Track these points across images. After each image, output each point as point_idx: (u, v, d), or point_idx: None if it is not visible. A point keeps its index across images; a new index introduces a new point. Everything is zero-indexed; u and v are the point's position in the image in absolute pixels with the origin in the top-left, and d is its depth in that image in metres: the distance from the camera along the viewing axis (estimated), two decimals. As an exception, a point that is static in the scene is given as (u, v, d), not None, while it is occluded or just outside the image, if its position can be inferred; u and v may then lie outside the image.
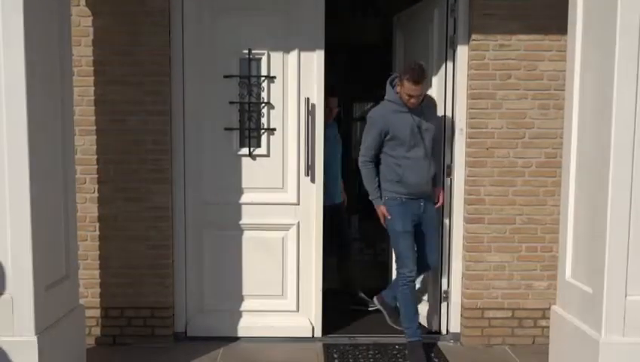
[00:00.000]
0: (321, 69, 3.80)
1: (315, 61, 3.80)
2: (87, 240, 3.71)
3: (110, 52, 3.64)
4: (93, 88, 3.66)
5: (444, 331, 3.96)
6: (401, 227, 3.58)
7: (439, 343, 3.87)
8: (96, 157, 3.69)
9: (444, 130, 3.84)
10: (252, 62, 3.82)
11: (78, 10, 3.60)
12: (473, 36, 3.67)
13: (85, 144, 3.68)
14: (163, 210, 3.75)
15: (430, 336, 3.90)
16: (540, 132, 3.71)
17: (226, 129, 3.83)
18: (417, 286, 3.96)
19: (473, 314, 3.81)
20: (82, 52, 3.61)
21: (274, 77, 3.83)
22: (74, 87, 3.37)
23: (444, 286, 3.93)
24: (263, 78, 3.83)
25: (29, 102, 2.75)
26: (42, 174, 2.89)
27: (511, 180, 3.74)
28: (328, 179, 4.28)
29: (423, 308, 4.04)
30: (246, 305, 3.93)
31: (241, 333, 3.91)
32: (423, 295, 4.09)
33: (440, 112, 3.84)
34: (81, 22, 3.61)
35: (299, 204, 3.89)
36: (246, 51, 3.79)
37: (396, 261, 3.68)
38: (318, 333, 3.94)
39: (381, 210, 3.63)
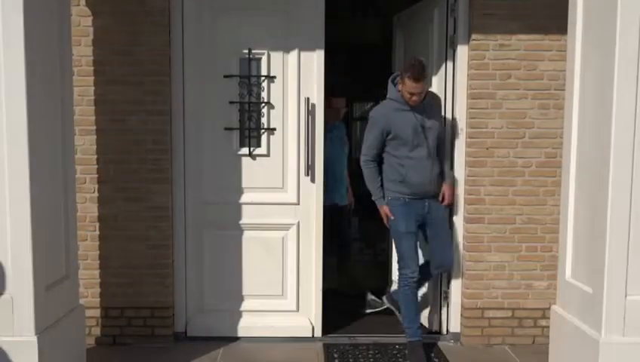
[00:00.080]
0: (321, 68, 3.80)
1: (315, 61, 3.80)
2: (87, 240, 3.71)
3: (110, 52, 3.64)
4: (93, 88, 3.66)
5: (444, 331, 3.96)
6: (404, 228, 3.55)
7: (439, 343, 3.87)
8: (96, 157, 3.69)
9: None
10: (252, 62, 3.82)
11: (78, 10, 3.60)
12: (473, 36, 3.67)
13: (85, 144, 3.68)
14: (163, 209, 3.75)
15: (430, 336, 3.90)
16: (540, 132, 3.71)
17: (226, 129, 3.83)
18: (424, 290, 3.94)
19: (473, 314, 3.81)
20: (82, 52, 3.61)
21: (274, 77, 3.83)
22: (74, 87, 3.37)
23: (444, 286, 3.93)
24: (263, 78, 3.83)
25: (29, 102, 2.75)
26: (42, 174, 2.89)
27: (511, 180, 3.74)
28: (332, 180, 4.27)
29: (424, 308, 4.03)
30: (246, 304, 3.93)
31: (241, 333, 3.91)
32: (424, 295, 4.09)
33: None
34: (81, 21, 3.61)
35: (299, 204, 3.89)
36: (246, 51, 3.79)
37: (398, 261, 3.65)
38: (318, 333, 3.94)
39: (384, 210, 3.61)
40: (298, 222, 3.89)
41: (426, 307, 4.05)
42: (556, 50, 3.64)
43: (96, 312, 3.76)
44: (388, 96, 3.58)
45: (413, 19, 4.28)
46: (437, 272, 3.78)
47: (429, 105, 3.59)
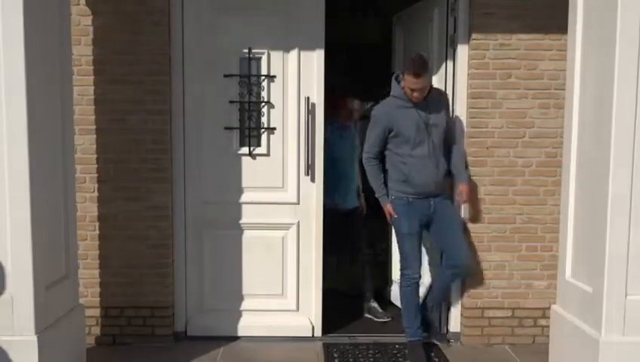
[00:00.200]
0: (321, 68, 3.80)
1: (315, 60, 3.79)
2: (87, 239, 3.71)
3: (110, 51, 3.64)
4: (93, 87, 3.65)
5: (444, 330, 3.95)
6: (406, 228, 3.52)
7: (439, 342, 3.87)
8: (96, 156, 3.69)
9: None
10: (252, 61, 3.82)
11: (78, 10, 3.59)
12: (473, 35, 3.67)
13: (85, 143, 3.68)
14: (163, 209, 3.75)
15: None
16: (540, 131, 3.71)
17: (226, 128, 3.83)
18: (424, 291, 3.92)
19: (473, 314, 3.81)
20: (82, 51, 3.61)
21: (274, 76, 3.83)
22: (74, 87, 3.37)
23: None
24: (263, 78, 3.83)
25: (29, 102, 2.75)
26: (42, 173, 2.89)
27: (511, 180, 3.73)
28: (344, 182, 4.22)
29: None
30: (246, 304, 3.93)
31: (241, 333, 3.91)
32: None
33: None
34: (81, 21, 3.61)
35: (299, 204, 3.88)
36: (246, 50, 3.79)
37: (400, 261, 3.63)
38: (318, 333, 3.94)
39: (387, 208, 3.58)
40: (298, 222, 3.89)
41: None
42: (556, 50, 3.64)
43: (96, 312, 3.76)
44: (391, 93, 3.55)
45: (413, 19, 4.28)
46: (453, 276, 3.64)
47: (434, 101, 3.51)
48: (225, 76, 3.80)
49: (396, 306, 4.27)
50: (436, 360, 3.63)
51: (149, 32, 3.64)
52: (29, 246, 2.78)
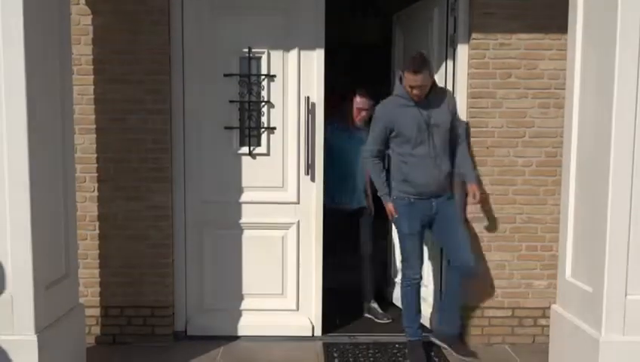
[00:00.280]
0: (321, 67, 3.80)
1: (315, 60, 3.79)
2: (87, 239, 3.71)
3: (110, 51, 3.63)
4: (93, 87, 3.65)
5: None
6: (407, 228, 3.51)
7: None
8: (96, 156, 3.69)
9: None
10: (252, 60, 3.81)
11: (78, 9, 3.59)
12: (473, 35, 3.67)
13: (85, 143, 3.67)
14: (163, 209, 3.75)
15: (430, 335, 3.89)
16: (541, 131, 3.71)
17: (226, 128, 3.83)
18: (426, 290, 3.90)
19: (473, 313, 3.80)
20: (82, 51, 3.61)
21: (274, 76, 3.83)
22: (74, 86, 3.37)
23: (444, 286, 3.92)
24: (263, 77, 3.83)
25: (29, 102, 2.75)
26: (42, 173, 2.89)
27: (511, 179, 3.73)
28: (351, 182, 4.20)
29: (426, 309, 4.01)
30: (246, 304, 3.93)
31: (241, 332, 3.91)
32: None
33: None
34: (81, 20, 3.61)
35: (299, 203, 3.88)
36: (246, 50, 3.79)
37: (402, 261, 3.62)
38: (318, 332, 3.94)
39: (389, 207, 3.57)
40: (298, 221, 3.89)
41: (427, 307, 4.05)
42: (556, 50, 3.64)
43: (96, 311, 3.76)
44: (394, 92, 3.55)
45: (413, 19, 4.28)
46: (461, 278, 3.53)
47: (438, 101, 3.46)
48: (225, 76, 3.80)
49: (396, 307, 4.27)
50: (436, 359, 3.63)
51: (148, 31, 3.64)
52: (29, 246, 2.78)
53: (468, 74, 3.72)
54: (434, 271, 3.97)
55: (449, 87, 3.80)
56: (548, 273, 3.75)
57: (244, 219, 3.88)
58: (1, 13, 2.70)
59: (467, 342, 3.80)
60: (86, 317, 3.55)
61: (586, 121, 3.06)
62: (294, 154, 3.86)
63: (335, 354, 3.68)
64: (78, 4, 3.59)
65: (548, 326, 3.54)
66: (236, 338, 3.89)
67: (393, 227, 4.04)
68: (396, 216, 3.54)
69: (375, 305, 4.34)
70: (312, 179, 3.86)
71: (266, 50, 3.80)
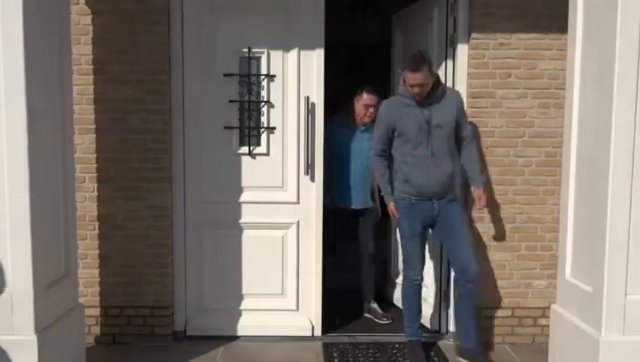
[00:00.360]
0: (321, 67, 3.80)
1: (315, 60, 3.79)
2: (86, 239, 3.71)
3: (110, 50, 3.63)
4: (92, 87, 3.65)
5: (443, 330, 3.96)
6: (407, 229, 3.49)
7: (439, 342, 3.86)
8: (95, 155, 3.69)
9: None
10: (252, 60, 3.81)
11: (78, 9, 3.59)
12: (473, 35, 3.67)
13: (85, 143, 3.67)
14: (163, 208, 3.74)
15: (430, 335, 3.90)
16: (540, 131, 3.71)
17: (225, 128, 3.83)
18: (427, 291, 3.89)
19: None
20: (82, 50, 3.61)
21: (274, 75, 3.83)
22: (73, 86, 3.37)
23: (444, 286, 3.92)
24: (262, 77, 3.83)
25: (28, 102, 2.75)
26: (42, 173, 2.89)
27: (511, 179, 3.74)
28: (355, 182, 4.19)
29: (426, 310, 4.00)
30: (246, 304, 3.93)
31: (240, 332, 3.91)
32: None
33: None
34: (81, 20, 3.61)
35: (299, 203, 3.88)
36: (246, 50, 3.79)
37: (403, 262, 3.60)
38: (318, 332, 3.94)
39: (390, 207, 3.56)
40: (298, 221, 3.89)
41: (427, 307, 4.04)
42: (556, 50, 3.64)
43: (96, 311, 3.76)
44: (397, 91, 3.53)
45: (413, 18, 4.28)
46: (466, 281, 3.42)
47: (443, 100, 3.40)
48: (225, 75, 3.80)
49: (397, 307, 4.27)
50: (436, 359, 3.63)
51: (148, 31, 3.64)
52: (28, 246, 2.78)
53: (468, 74, 3.72)
54: (435, 271, 3.96)
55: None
56: (548, 273, 3.75)
57: (243, 219, 3.88)
58: (1, 13, 2.70)
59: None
60: (86, 317, 3.55)
61: (585, 121, 3.07)
62: (294, 154, 3.85)
63: (335, 354, 3.68)
64: (77, 4, 3.59)
65: (548, 326, 3.54)
66: (236, 338, 3.89)
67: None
68: (397, 217, 3.54)
69: (375, 305, 4.34)
70: (312, 179, 3.86)
71: (265, 50, 3.80)
